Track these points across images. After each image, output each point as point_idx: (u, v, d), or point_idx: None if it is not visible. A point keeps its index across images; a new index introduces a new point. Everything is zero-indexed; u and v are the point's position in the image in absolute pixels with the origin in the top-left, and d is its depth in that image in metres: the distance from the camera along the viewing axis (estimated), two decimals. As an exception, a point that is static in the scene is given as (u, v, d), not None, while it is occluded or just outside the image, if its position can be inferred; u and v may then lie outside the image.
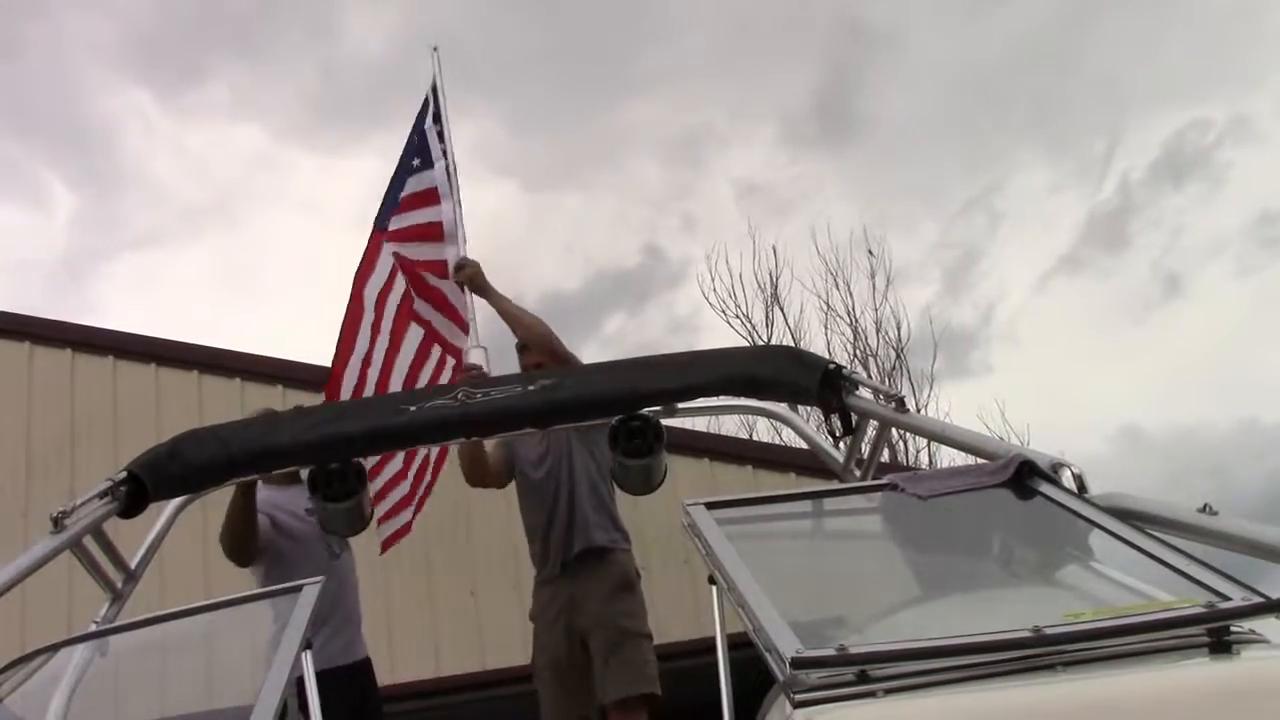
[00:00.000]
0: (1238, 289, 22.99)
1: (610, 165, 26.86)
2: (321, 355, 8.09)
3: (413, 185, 4.73)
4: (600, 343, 22.68)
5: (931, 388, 18.55)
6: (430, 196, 4.67)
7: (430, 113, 4.95)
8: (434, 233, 4.59)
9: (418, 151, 4.83)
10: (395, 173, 4.84)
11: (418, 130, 4.90)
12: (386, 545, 4.49)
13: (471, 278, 4.30)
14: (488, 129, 23.99)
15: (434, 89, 5.03)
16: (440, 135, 4.86)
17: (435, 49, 5.24)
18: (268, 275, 25.81)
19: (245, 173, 27.06)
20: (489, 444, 4.03)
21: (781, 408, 3.80)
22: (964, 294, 25.31)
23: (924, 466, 14.62)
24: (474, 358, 4.20)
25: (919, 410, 14.76)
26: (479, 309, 4.37)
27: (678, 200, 26.44)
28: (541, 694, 4.02)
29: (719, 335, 19.19)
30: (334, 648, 3.80)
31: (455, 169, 4.76)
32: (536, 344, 4.10)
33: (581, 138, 26.02)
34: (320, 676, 2.11)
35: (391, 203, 4.73)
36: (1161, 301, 24.88)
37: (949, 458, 14.00)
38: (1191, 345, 23.15)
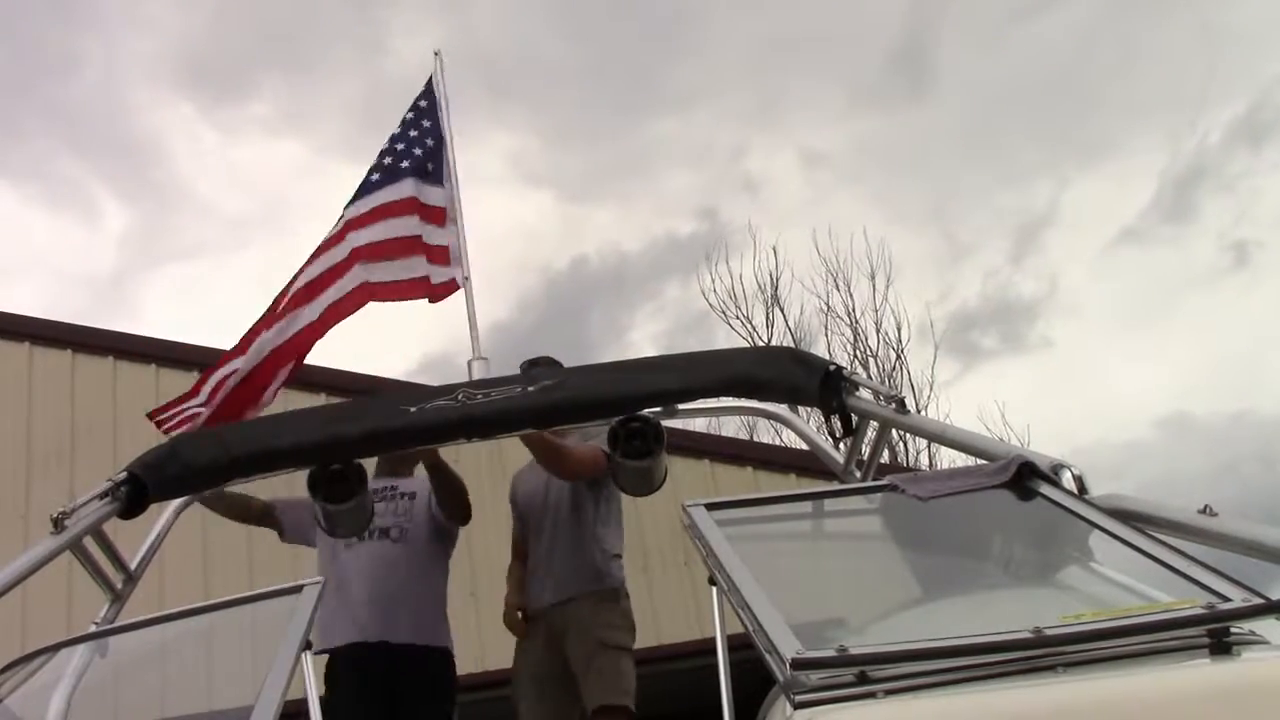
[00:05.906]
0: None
1: (673, 146, 26.59)
2: (340, 361, 8.15)
3: (392, 193, 4.62)
4: (657, 306, 22.40)
5: (932, 389, 18.56)
6: (418, 208, 4.59)
7: (431, 120, 4.84)
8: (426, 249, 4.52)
9: (416, 157, 4.72)
10: (386, 165, 4.72)
11: (420, 133, 4.81)
12: None
13: None
14: (526, 138, 24.04)
15: (435, 96, 4.92)
16: (441, 146, 4.78)
17: (438, 53, 5.08)
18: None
19: (291, 185, 27.25)
20: None
21: (782, 409, 3.79)
22: (1027, 263, 24.56)
23: (924, 467, 14.62)
24: (477, 370, 4.20)
25: (918, 411, 14.74)
26: (480, 317, 4.42)
27: (739, 166, 26.10)
28: (519, 704, 3.94)
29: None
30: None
31: (458, 185, 4.70)
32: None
33: (635, 131, 25.83)
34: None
35: (368, 189, 4.63)
36: (1230, 273, 23.97)
37: (949, 459, 14.02)
38: (1257, 322, 22.42)
